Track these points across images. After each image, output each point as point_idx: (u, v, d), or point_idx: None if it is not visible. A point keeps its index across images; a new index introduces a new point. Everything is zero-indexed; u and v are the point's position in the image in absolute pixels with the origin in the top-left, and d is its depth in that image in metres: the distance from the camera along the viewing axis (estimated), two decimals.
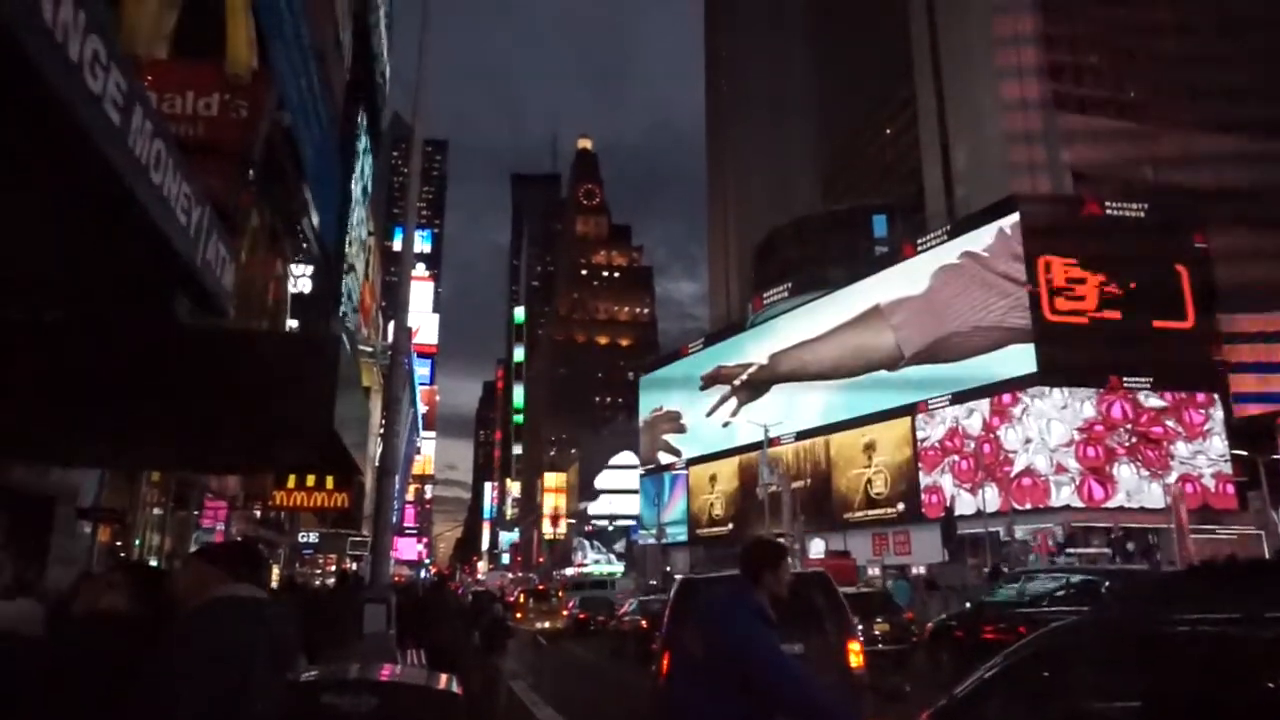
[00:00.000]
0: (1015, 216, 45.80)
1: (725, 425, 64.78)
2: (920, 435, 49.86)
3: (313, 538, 32.26)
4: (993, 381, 45.03)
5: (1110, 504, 41.15)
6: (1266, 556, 33.47)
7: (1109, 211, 46.18)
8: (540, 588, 53.08)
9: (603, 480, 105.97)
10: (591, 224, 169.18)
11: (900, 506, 50.56)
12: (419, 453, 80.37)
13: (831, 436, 56.77)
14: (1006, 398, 44.58)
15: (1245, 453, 38.56)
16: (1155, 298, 44.07)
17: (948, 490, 46.72)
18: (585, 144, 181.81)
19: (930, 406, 49.15)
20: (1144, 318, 43.86)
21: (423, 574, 74.60)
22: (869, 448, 53.72)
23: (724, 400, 67.67)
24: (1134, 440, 42.26)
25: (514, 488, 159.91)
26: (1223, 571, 2.48)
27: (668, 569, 69.38)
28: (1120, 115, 63.60)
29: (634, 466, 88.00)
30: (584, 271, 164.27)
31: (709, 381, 69.19)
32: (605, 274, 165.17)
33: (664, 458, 76.37)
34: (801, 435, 59.04)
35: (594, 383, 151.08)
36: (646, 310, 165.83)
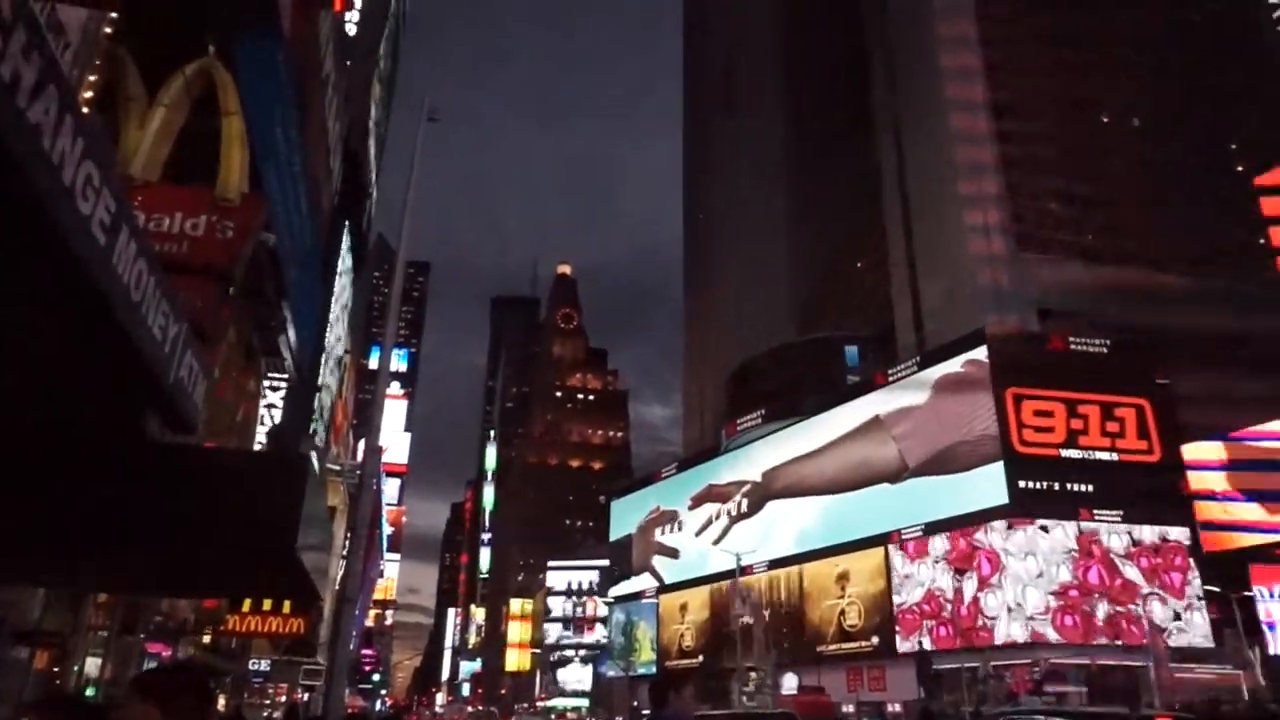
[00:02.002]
0: (983, 350, 46.88)
1: (716, 543, 62.99)
2: (897, 600, 48.35)
3: (264, 665, 30.71)
4: (966, 512, 44.89)
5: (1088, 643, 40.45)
6: (1246, 697, 32.84)
7: (1073, 347, 47.44)
8: None
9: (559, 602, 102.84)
10: (568, 347, 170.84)
11: (874, 640, 49.34)
12: (381, 575, 77.99)
13: (805, 566, 55.86)
14: (983, 551, 43.86)
15: (1218, 589, 38.39)
16: (1121, 432, 44.86)
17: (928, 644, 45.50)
18: (565, 269, 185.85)
19: (903, 536, 48.75)
20: (1111, 451, 44.52)
21: (378, 706, 71.01)
22: (842, 578, 52.84)
23: (712, 521, 66.15)
24: (1110, 584, 41.89)
25: (478, 614, 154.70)
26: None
27: (635, 704, 66.74)
28: (1081, 256, 66.27)
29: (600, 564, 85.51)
30: (559, 394, 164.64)
31: (699, 501, 68.04)
32: (580, 397, 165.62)
33: (658, 563, 72.78)
34: (775, 564, 58.07)
35: (565, 506, 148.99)
36: (620, 434, 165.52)
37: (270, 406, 18.85)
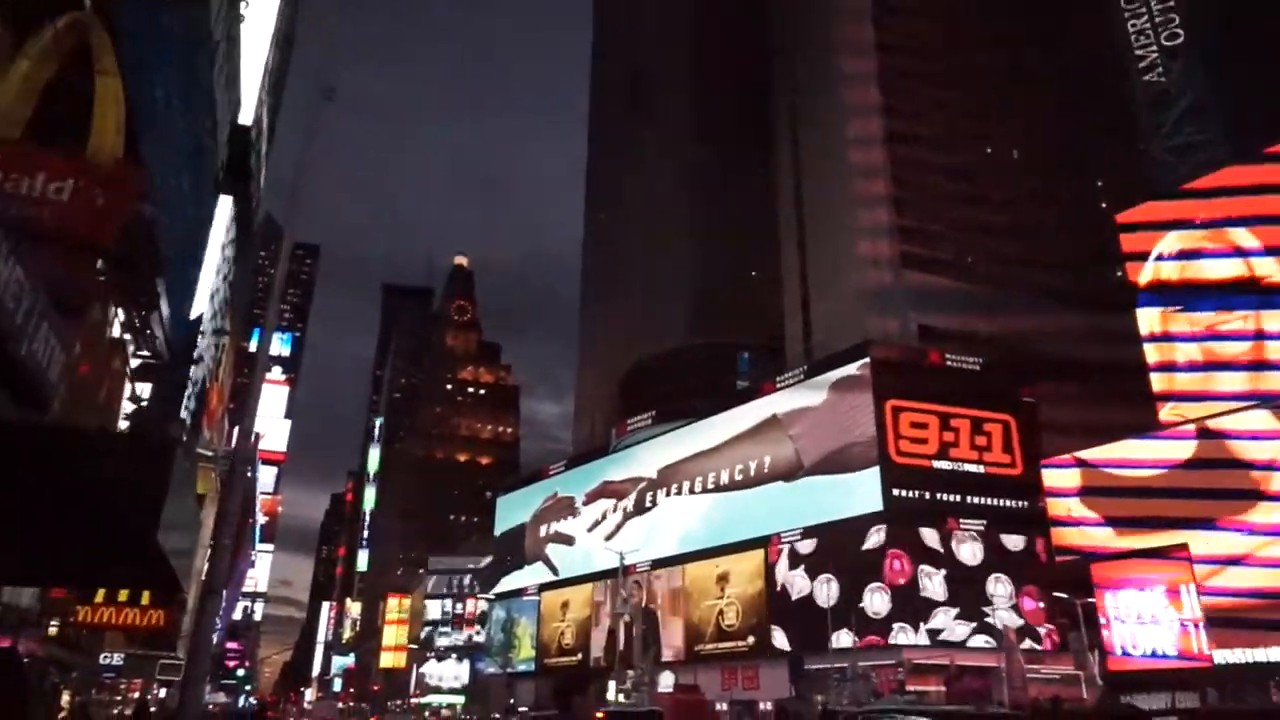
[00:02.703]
0: (866, 361, 48.71)
1: (609, 539, 62.80)
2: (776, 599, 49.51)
3: (117, 659, 28.98)
4: (843, 518, 46.48)
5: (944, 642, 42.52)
6: (1085, 694, 35.24)
7: (949, 363, 49.85)
8: (374, 718, 49.29)
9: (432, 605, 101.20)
10: (462, 340, 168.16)
11: (750, 640, 50.55)
12: (253, 566, 74.87)
13: (687, 566, 56.70)
14: (866, 555, 45.42)
15: (1065, 595, 41.00)
16: (988, 446, 47.49)
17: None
18: (462, 261, 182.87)
19: (783, 539, 50.09)
20: (979, 464, 47.07)
21: (241, 702, 68.19)
22: (722, 579, 53.90)
23: (605, 516, 65.94)
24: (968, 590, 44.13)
25: (354, 608, 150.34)
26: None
27: (511, 700, 66.29)
28: (961, 277, 69.58)
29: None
30: (449, 386, 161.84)
31: (593, 497, 67.87)
32: (471, 390, 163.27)
33: (552, 552, 71.68)
34: (658, 564, 58.73)
35: (451, 500, 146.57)
36: (510, 430, 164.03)
37: (138, 386, 17.86)
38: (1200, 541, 34.44)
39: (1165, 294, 39.34)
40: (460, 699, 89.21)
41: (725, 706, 47.68)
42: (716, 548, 54.48)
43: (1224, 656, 32.92)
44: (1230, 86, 70.53)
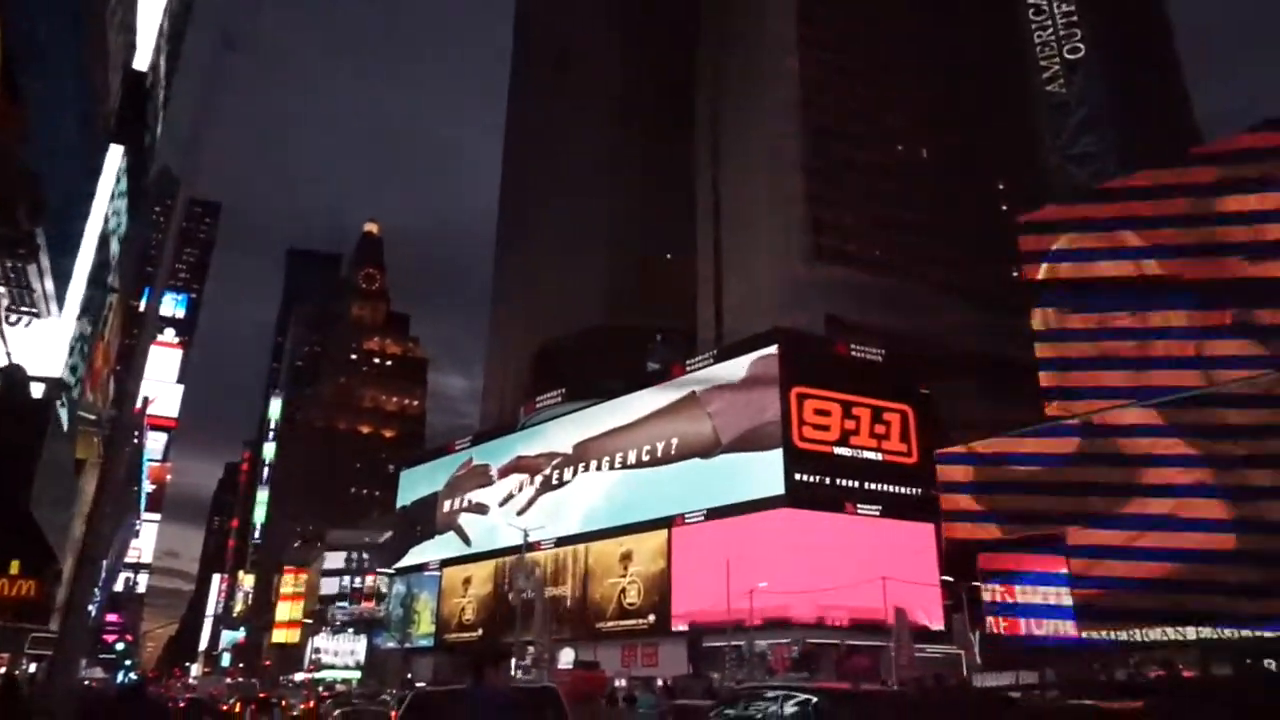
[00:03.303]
0: (774, 349, 49.62)
1: (521, 513, 62.15)
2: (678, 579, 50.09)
3: None
4: (743, 500, 47.40)
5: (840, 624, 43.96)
6: (965, 673, 36.99)
7: (854, 354, 51.25)
8: (263, 695, 47.90)
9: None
10: (369, 309, 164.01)
11: (651, 618, 51.20)
12: (137, 535, 71.60)
13: (591, 544, 56.94)
14: (763, 536, 46.28)
15: (952, 579, 42.89)
16: (886, 434, 49.18)
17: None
18: (372, 227, 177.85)
19: (687, 520, 50.78)
20: (877, 451, 48.70)
21: (121, 678, 65.47)
22: (626, 557, 54.36)
23: (516, 492, 65.17)
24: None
25: (246, 580, 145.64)
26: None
27: (409, 676, 65.51)
28: (869, 271, 71.45)
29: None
30: (354, 356, 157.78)
31: (506, 471, 67.07)
32: (377, 361, 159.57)
33: (466, 521, 70.14)
34: (562, 541, 58.76)
35: (352, 473, 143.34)
36: (416, 402, 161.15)
37: (10, 343, 16.70)
38: (1080, 534, 36.44)
39: (1059, 292, 41.21)
40: (356, 674, 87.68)
41: (624, 683, 48.20)
42: (620, 527, 54.85)
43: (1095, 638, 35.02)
44: (1124, 101, 74.09)
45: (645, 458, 55.75)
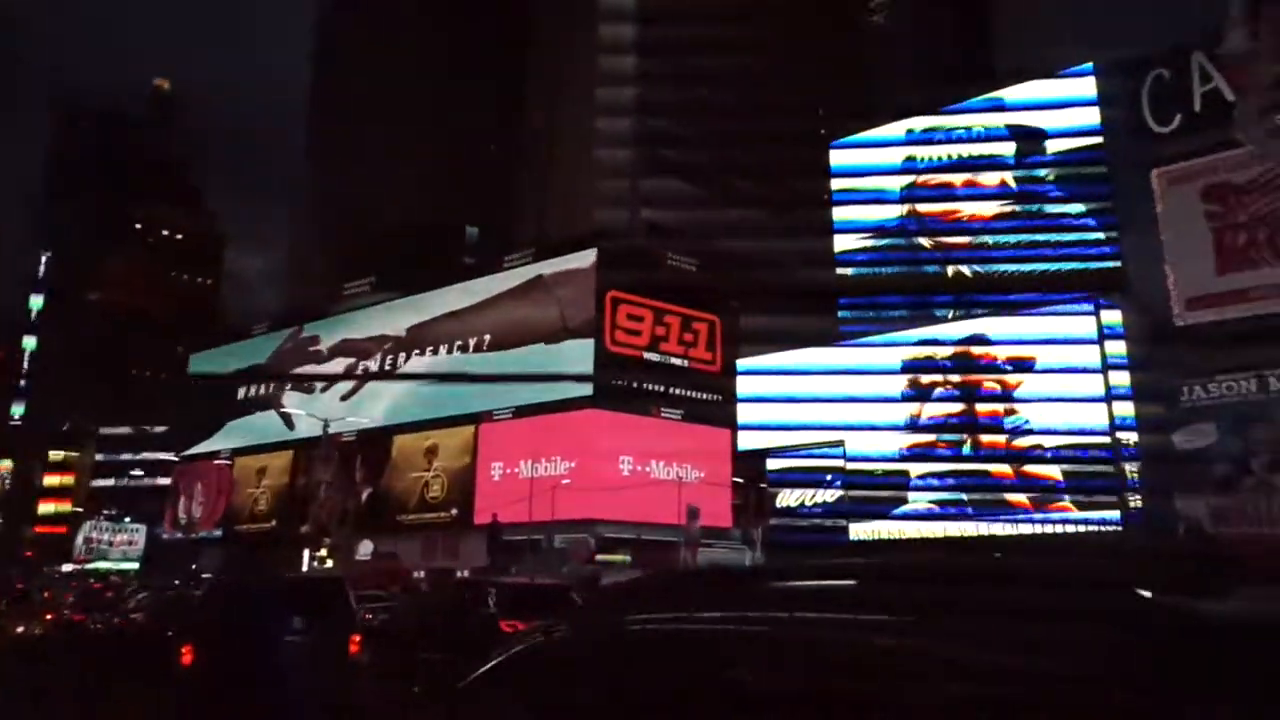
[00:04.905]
0: (592, 251, 49.83)
1: (345, 399, 59.33)
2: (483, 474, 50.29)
3: None
4: (552, 400, 48.08)
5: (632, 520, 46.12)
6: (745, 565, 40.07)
7: (670, 262, 52.45)
8: (19, 586, 44.34)
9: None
10: (158, 177, 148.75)
11: (454, 512, 51.57)
12: None
13: (397, 437, 56.06)
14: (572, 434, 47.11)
15: (742, 480, 45.91)
16: (694, 342, 51.03)
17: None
18: (163, 84, 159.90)
19: (495, 417, 50.98)
20: (684, 359, 50.50)
21: None
22: (431, 452, 54.05)
23: (342, 377, 61.90)
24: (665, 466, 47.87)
25: (4, 465, 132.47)
26: (662, 580, 2.86)
27: (194, 566, 62.79)
28: (692, 182, 72.42)
29: None
30: (139, 226, 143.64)
31: (332, 354, 63.57)
32: (166, 234, 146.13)
33: (290, 400, 65.35)
34: (365, 434, 57.39)
35: (134, 355, 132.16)
36: (210, 281, 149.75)
37: None
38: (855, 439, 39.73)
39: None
40: (134, 565, 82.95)
41: (423, 574, 48.60)
42: (428, 421, 54.21)
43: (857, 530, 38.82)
44: (948, 33, 77.70)
45: (486, 342, 54.04)
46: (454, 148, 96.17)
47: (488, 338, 54.39)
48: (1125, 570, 1.98)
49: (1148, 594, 1.86)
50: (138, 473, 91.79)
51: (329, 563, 44.14)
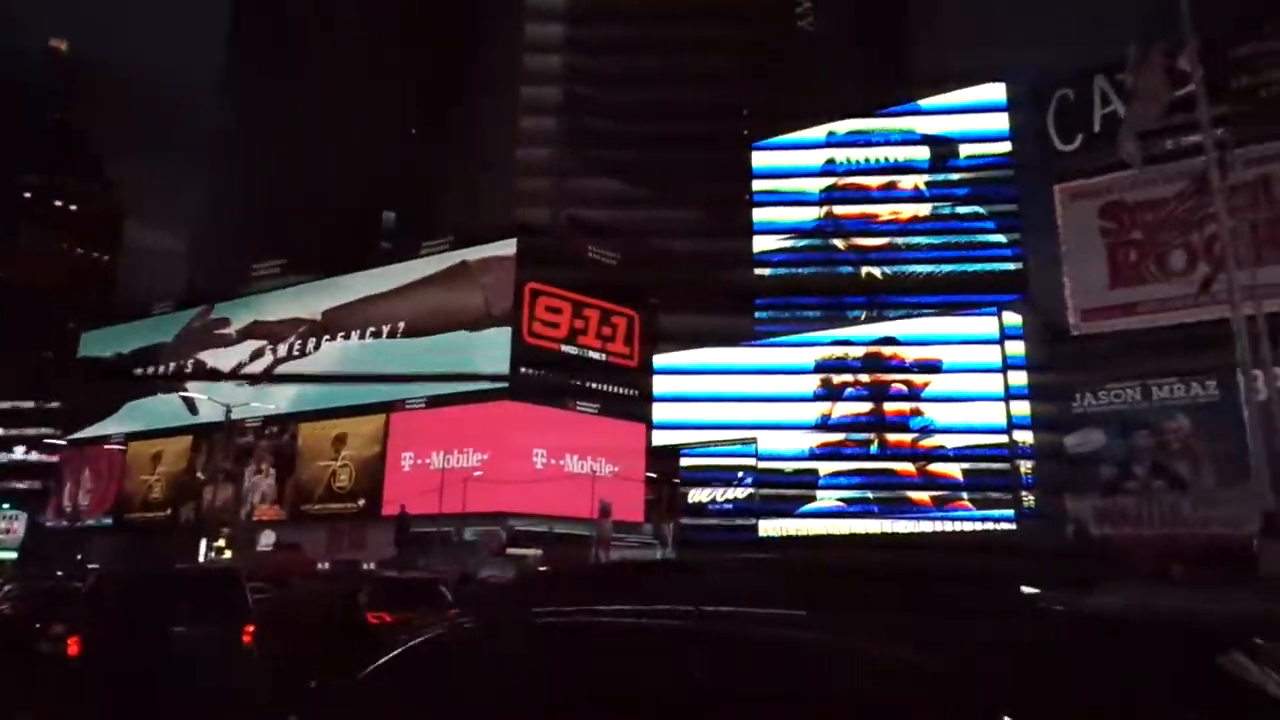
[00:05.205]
0: (513, 242, 49.36)
1: (254, 383, 57.10)
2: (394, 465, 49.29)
3: None
4: (467, 391, 47.43)
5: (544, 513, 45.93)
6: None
7: (591, 256, 52.38)
8: None
9: None
10: (54, 143, 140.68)
11: (361, 502, 50.45)
12: None
13: (302, 425, 54.48)
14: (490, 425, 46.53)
15: (656, 476, 46.25)
16: (612, 336, 51.18)
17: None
18: (59, 45, 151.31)
19: (408, 407, 50.07)
20: (602, 352, 50.62)
21: None
22: (339, 440, 52.74)
23: (247, 361, 59.48)
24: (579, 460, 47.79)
25: None
26: (558, 574, 2.84)
27: (79, 556, 59.79)
28: (617, 178, 72.34)
29: None
30: (29, 195, 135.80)
31: (242, 337, 60.91)
32: (60, 205, 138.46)
33: (194, 386, 61.71)
34: (271, 420, 55.56)
35: (19, 333, 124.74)
36: (107, 256, 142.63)
37: None
38: (767, 437, 40.46)
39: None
40: (12, 555, 78.44)
41: (327, 565, 47.40)
42: (339, 409, 52.82)
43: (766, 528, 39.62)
44: (871, 39, 79.43)
45: (403, 328, 52.87)
46: (375, 132, 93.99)
47: (402, 325, 53.19)
48: (1012, 568, 2.03)
49: (1032, 590, 1.91)
50: (20, 455, 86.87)
51: (227, 553, 42.59)
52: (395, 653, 2.76)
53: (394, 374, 48.90)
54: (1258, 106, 29.72)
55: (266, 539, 49.06)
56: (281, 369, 57.90)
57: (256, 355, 59.76)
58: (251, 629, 9.09)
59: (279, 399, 55.30)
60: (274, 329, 59.42)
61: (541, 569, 27.53)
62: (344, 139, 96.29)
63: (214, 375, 62.02)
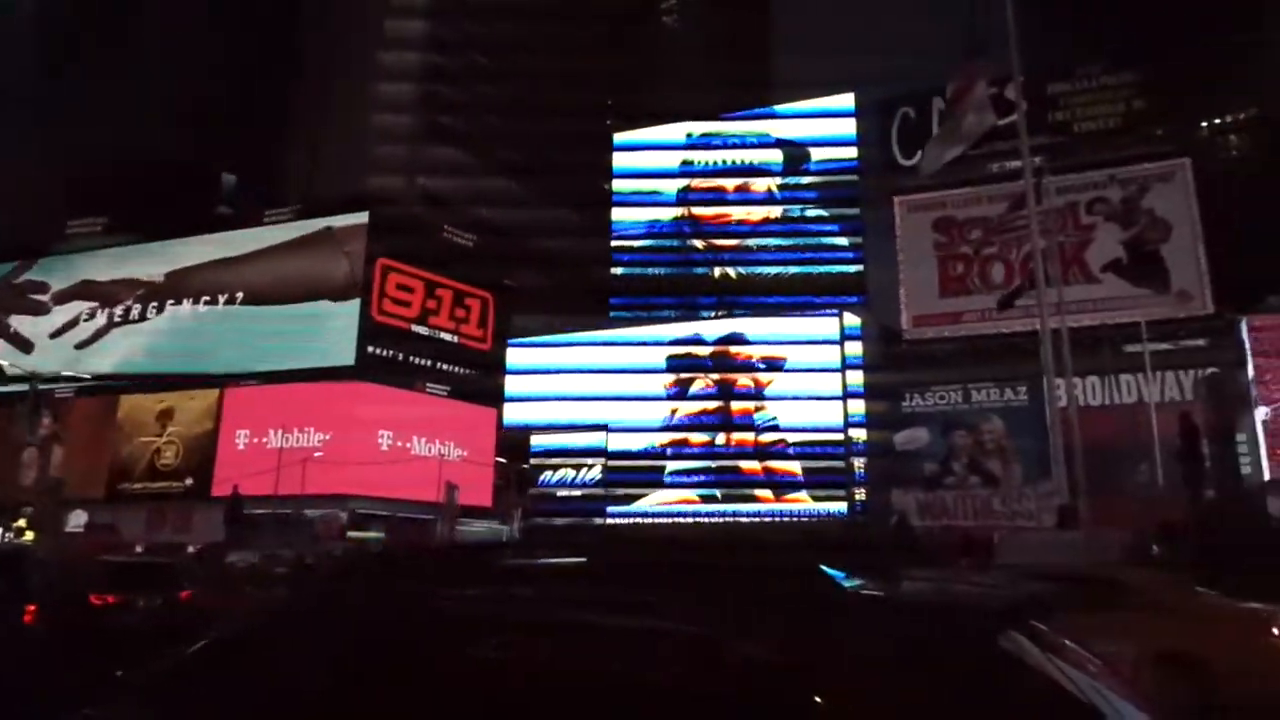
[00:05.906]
0: (364, 216, 47.60)
1: (81, 347, 51.95)
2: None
3: None
4: (312, 367, 45.47)
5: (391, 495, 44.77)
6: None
7: (445, 235, 51.22)
8: None
9: None
10: None
11: (189, 482, 47.41)
12: None
13: (123, 397, 50.53)
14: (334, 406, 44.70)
15: (505, 460, 46.00)
16: (466, 318, 50.28)
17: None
18: None
19: (244, 382, 47.45)
20: (454, 334, 49.64)
21: None
22: (165, 415, 49.27)
23: (81, 321, 53.94)
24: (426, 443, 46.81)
25: None
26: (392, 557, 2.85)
27: None
28: (475, 156, 70.84)
29: None
30: None
31: (67, 297, 55.10)
32: None
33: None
34: (87, 389, 51.18)
35: None
36: None
37: None
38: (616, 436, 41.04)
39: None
40: None
41: (144, 548, 44.35)
42: (163, 377, 49.29)
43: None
44: (735, 39, 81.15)
45: (255, 295, 49.84)
46: (215, 87, 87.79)
47: (252, 292, 50.30)
48: (821, 557, 2.23)
49: (840, 577, 2.11)
50: None
51: (28, 535, 39.06)
52: (206, 641, 2.64)
53: (233, 347, 46.32)
54: (1071, 140, 32.74)
55: (77, 519, 45.27)
56: (114, 333, 53.55)
57: (86, 318, 54.97)
58: (33, 608, 9.29)
59: (100, 365, 51.13)
60: (107, 289, 54.79)
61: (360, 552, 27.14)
62: (173, 95, 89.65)
63: (21, 339, 56.63)
